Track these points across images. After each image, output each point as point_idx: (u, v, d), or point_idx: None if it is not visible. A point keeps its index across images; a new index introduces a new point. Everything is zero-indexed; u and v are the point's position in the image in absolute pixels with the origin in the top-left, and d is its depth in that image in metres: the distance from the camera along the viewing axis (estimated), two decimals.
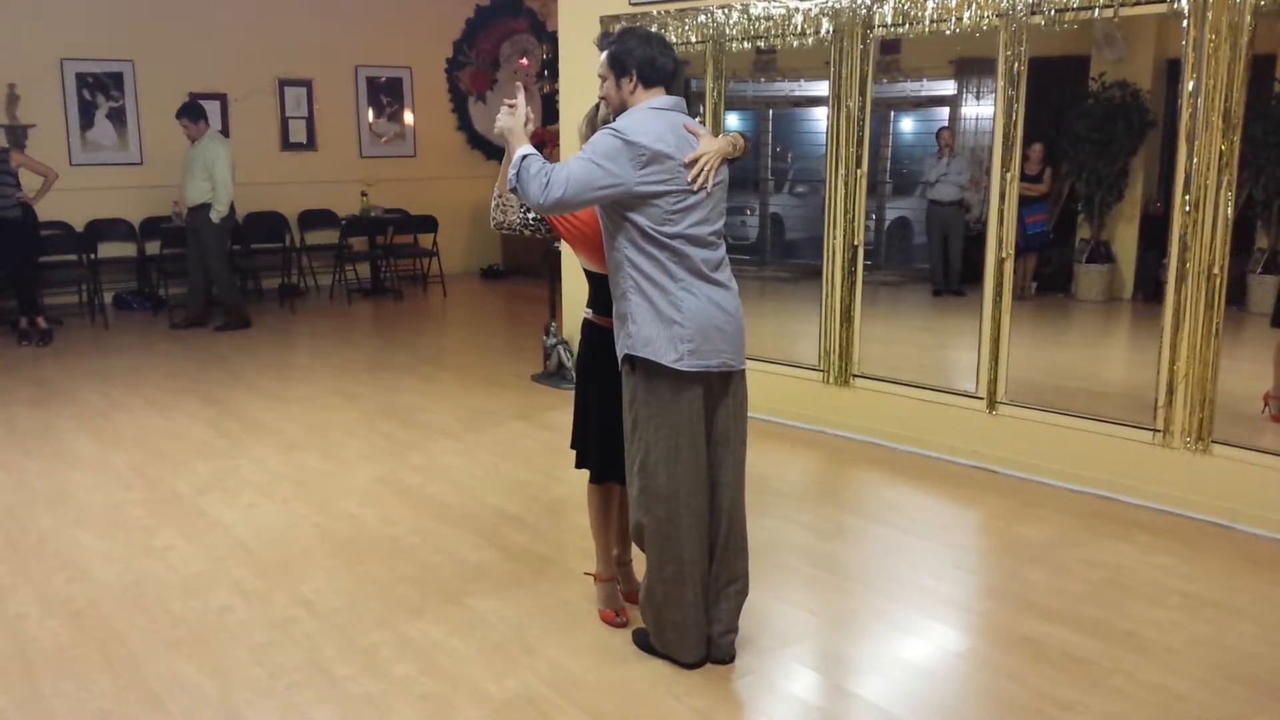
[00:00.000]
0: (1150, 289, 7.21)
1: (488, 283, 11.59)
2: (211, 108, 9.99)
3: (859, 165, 5.49)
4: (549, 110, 10.97)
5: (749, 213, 9.75)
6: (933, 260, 8.68)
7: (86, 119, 9.50)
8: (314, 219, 10.48)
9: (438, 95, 11.59)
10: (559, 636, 3.43)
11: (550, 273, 7.41)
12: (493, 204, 3.37)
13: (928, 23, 5.09)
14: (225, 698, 3.08)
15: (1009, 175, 4.92)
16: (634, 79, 3.04)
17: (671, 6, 6.10)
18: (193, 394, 6.62)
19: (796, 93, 8.74)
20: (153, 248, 9.51)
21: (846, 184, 5.52)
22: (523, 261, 11.36)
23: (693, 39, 6.02)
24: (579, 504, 4.14)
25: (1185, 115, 4.35)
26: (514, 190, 2.93)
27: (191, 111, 8.46)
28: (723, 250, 3.11)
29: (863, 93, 5.42)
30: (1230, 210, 4.27)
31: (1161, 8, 4.41)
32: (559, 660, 3.28)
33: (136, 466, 5.21)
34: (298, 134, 10.66)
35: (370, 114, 11.12)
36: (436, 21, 11.35)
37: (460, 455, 5.40)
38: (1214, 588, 3.83)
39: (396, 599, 3.72)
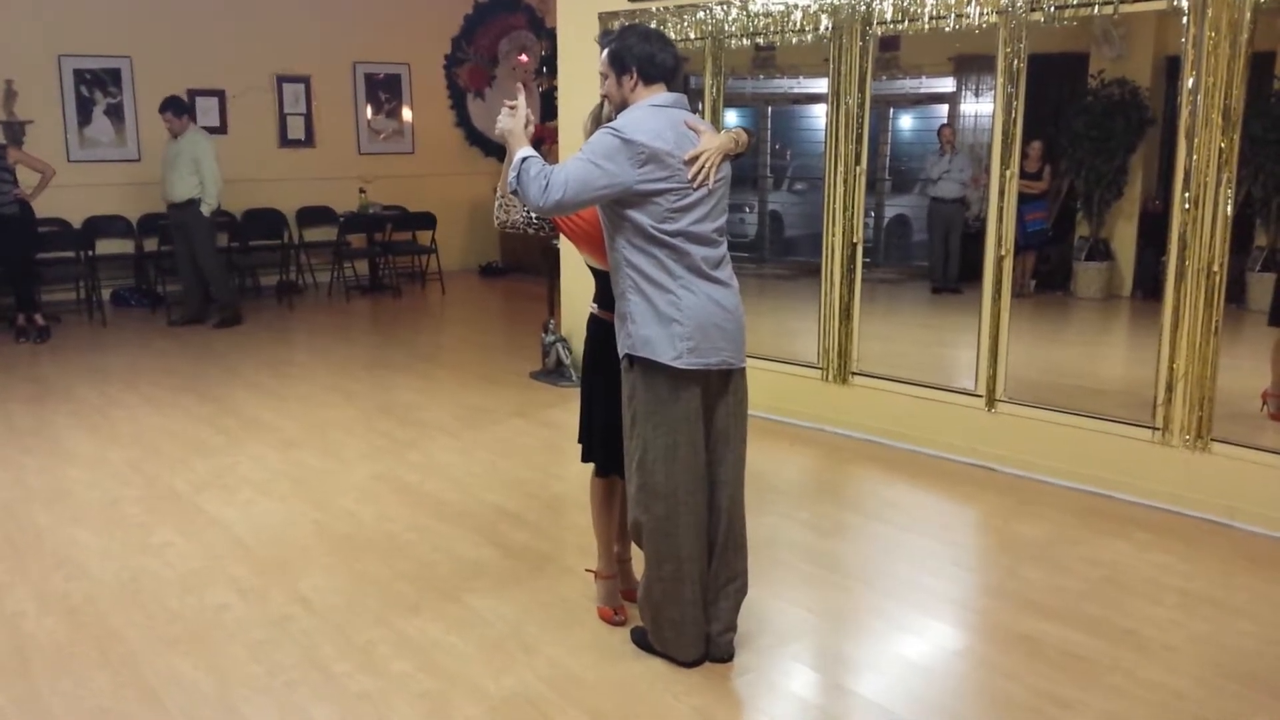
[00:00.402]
0: (1149, 286, 7.21)
1: (486, 280, 11.58)
2: (209, 104, 10.00)
3: (858, 162, 5.48)
4: (548, 107, 10.95)
5: (748, 210, 9.74)
6: (933, 258, 8.68)
7: (84, 115, 9.49)
8: (312, 216, 10.46)
9: (436, 92, 11.57)
10: (557, 634, 3.43)
11: (549, 270, 7.40)
12: (496, 203, 3.37)
13: (927, 19, 5.08)
14: (223, 695, 3.07)
15: (1008, 172, 4.91)
16: (634, 76, 3.04)
17: (671, 3, 6.09)
18: (190, 391, 6.61)
19: (795, 90, 8.73)
20: (150, 244, 9.52)
21: (845, 181, 5.52)
22: (521, 259, 11.35)
23: (692, 35, 6.01)
24: (577, 501, 4.15)
25: (1185, 112, 4.34)
26: (514, 193, 2.93)
27: (175, 106, 8.45)
28: (724, 248, 3.10)
29: (862, 90, 5.41)
30: (1230, 208, 4.27)
31: (1161, 4, 4.41)
32: (557, 658, 3.28)
33: (134, 464, 5.21)
34: (296, 131, 10.64)
35: (369, 111, 11.11)
36: (435, 18, 11.34)
37: (458, 453, 5.40)
38: (1212, 586, 3.83)
39: (394, 596, 3.72)
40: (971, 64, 7.94)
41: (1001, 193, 4.94)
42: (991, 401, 5.10)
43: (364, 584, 3.83)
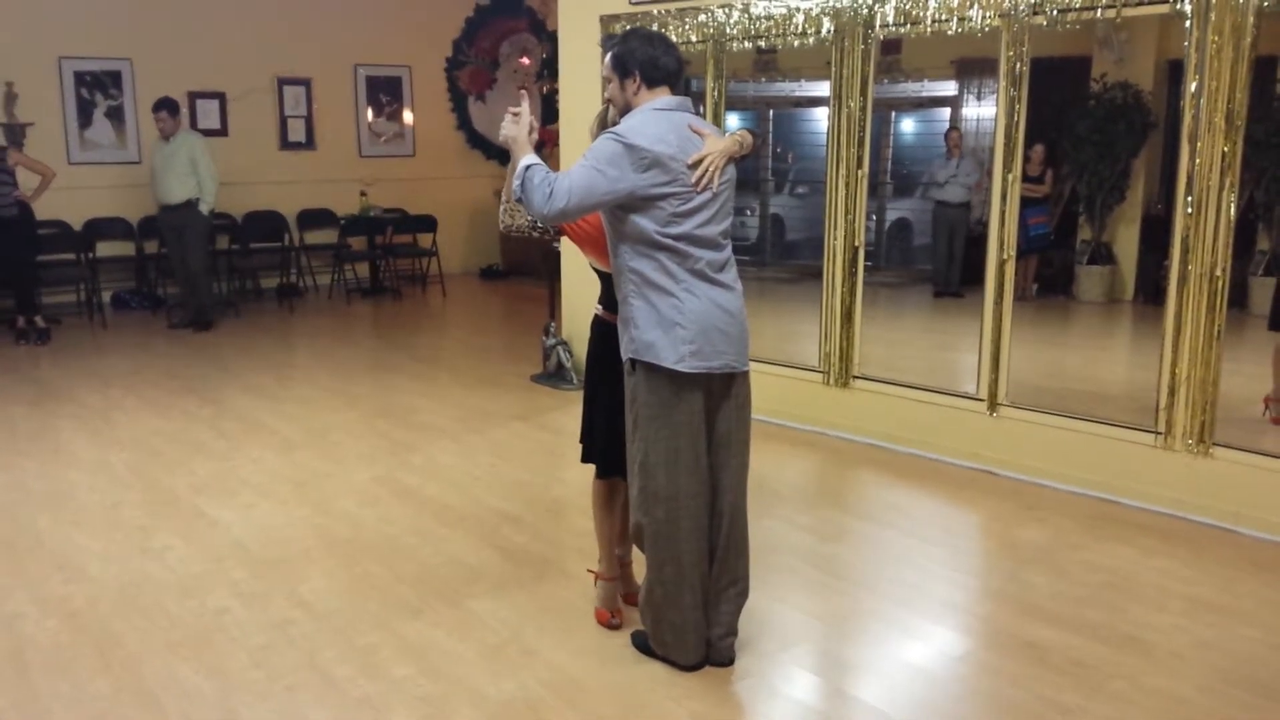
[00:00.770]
0: (1151, 291, 7.20)
1: (487, 282, 11.57)
2: (210, 106, 10.00)
3: (860, 166, 5.47)
4: (549, 110, 10.95)
5: (749, 213, 9.74)
6: (937, 262, 8.67)
7: (85, 118, 9.48)
8: (313, 218, 10.46)
9: (437, 94, 11.57)
10: (557, 638, 3.42)
11: (550, 273, 7.39)
12: (501, 208, 3.38)
13: (929, 23, 5.07)
14: (223, 699, 3.06)
15: (1010, 176, 4.91)
16: (637, 79, 3.04)
17: (672, 6, 6.09)
18: (191, 394, 6.60)
19: (797, 93, 8.73)
20: (151, 247, 9.50)
21: (847, 184, 5.51)
22: (522, 261, 11.34)
23: (693, 38, 6.00)
24: (578, 505, 4.14)
25: (1187, 117, 4.34)
26: (519, 200, 2.92)
27: (170, 106, 8.45)
28: (729, 251, 3.10)
29: (864, 93, 5.40)
30: (1232, 212, 4.26)
31: (1164, 8, 4.40)
32: (558, 662, 3.27)
33: (134, 466, 5.20)
34: (296, 133, 10.64)
35: (369, 113, 11.11)
36: (436, 20, 11.34)
37: (459, 456, 5.39)
38: (1216, 591, 3.82)
39: (395, 600, 3.71)
40: (974, 67, 7.94)
41: (1004, 196, 4.93)
42: (993, 406, 5.09)
43: (364, 587, 3.82)
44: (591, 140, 3.34)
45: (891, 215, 9.45)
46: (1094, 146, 7.73)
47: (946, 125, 8.81)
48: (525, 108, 3.04)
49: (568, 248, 3.79)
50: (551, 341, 6.88)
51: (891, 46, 5.82)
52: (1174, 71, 5.80)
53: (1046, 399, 5.08)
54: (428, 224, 10.56)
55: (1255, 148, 5.21)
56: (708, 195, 2.98)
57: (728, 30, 5.87)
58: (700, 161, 2.95)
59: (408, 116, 11.36)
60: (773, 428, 5.77)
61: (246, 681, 3.16)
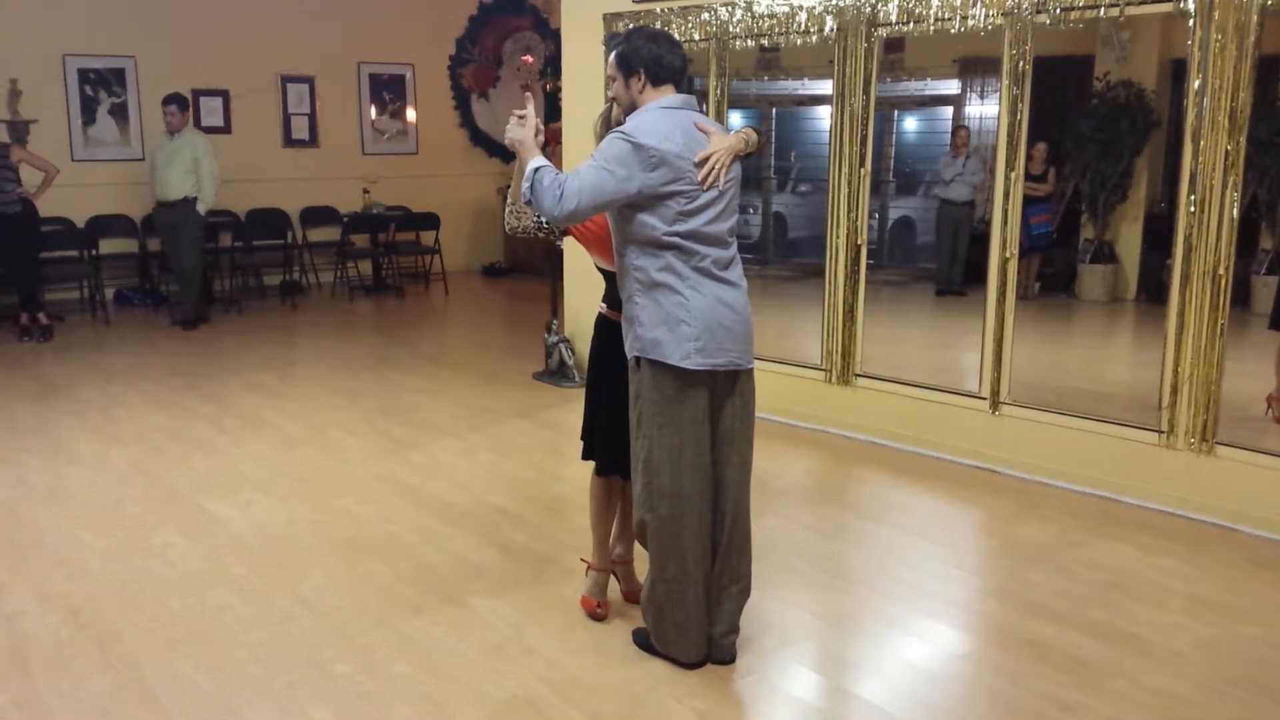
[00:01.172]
0: (1154, 289, 7.19)
1: (489, 280, 11.57)
2: (213, 104, 9.99)
3: (862, 164, 5.47)
4: (552, 108, 10.95)
5: (752, 211, 9.73)
6: (940, 260, 8.66)
7: (88, 115, 9.48)
8: (316, 216, 10.46)
9: (440, 92, 11.57)
10: (558, 636, 3.42)
11: (552, 270, 7.39)
12: (507, 210, 3.38)
13: (932, 21, 5.07)
14: (223, 696, 3.06)
15: (1013, 175, 4.90)
16: (642, 78, 3.04)
17: (675, 4, 6.08)
18: (193, 390, 6.61)
19: (800, 91, 8.72)
20: (154, 244, 9.48)
21: (850, 183, 5.50)
22: (524, 259, 11.34)
23: (696, 37, 6.00)
24: (579, 503, 4.13)
25: (1191, 115, 4.33)
26: (528, 203, 2.92)
27: (180, 101, 8.46)
28: (734, 248, 3.11)
29: (866, 91, 5.40)
30: (1235, 211, 4.25)
31: (1167, 7, 4.39)
32: (558, 660, 3.27)
33: (136, 463, 5.20)
34: (300, 131, 10.64)
35: (372, 111, 11.10)
36: (439, 18, 11.33)
37: (460, 453, 5.39)
38: (1217, 590, 3.81)
39: (395, 598, 3.71)
40: (976, 66, 7.93)
41: (1006, 195, 4.93)
42: (996, 404, 5.09)
43: (365, 585, 3.82)
44: (596, 139, 3.35)
45: (894, 214, 9.44)
46: (1097, 145, 7.72)
47: (949, 124, 8.80)
48: (530, 110, 3.04)
49: (570, 245, 3.79)
50: (553, 339, 6.88)
51: (894, 45, 5.82)
52: (1177, 70, 5.80)
53: (1049, 397, 5.08)
54: (430, 221, 10.56)
55: (1258, 146, 5.21)
56: (714, 193, 2.99)
57: (731, 28, 5.86)
58: (707, 159, 2.96)
59: (411, 114, 11.36)
60: (775, 425, 5.76)
61: (247, 678, 3.16)
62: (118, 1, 9.45)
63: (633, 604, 3.56)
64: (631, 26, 3.17)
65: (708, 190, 2.97)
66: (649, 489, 3.10)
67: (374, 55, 10.96)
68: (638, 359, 3.06)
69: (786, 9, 5.59)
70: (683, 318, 2.97)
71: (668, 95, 3.05)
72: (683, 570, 3.11)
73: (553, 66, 11.06)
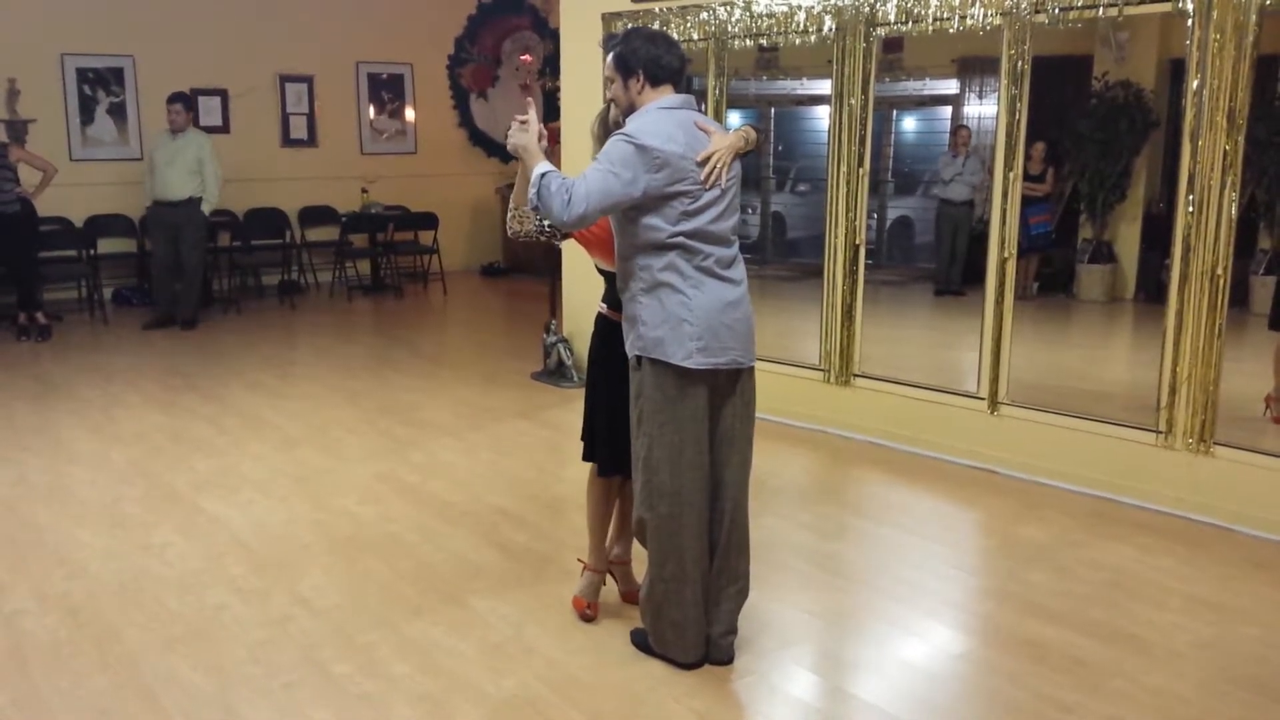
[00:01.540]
0: (1152, 289, 7.18)
1: (488, 280, 11.57)
2: (212, 103, 9.98)
3: (861, 164, 5.47)
4: (551, 107, 10.94)
5: (751, 211, 9.72)
6: (939, 260, 8.66)
7: (87, 114, 9.48)
8: (314, 215, 10.46)
9: (439, 92, 11.56)
10: (558, 636, 3.42)
11: (551, 270, 7.39)
12: (509, 214, 3.37)
13: (931, 21, 5.07)
14: (222, 695, 3.06)
15: (1012, 175, 4.90)
16: (641, 79, 3.04)
17: (674, 3, 6.08)
18: (192, 390, 6.61)
19: (799, 91, 8.71)
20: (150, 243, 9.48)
21: (848, 183, 5.50)
22: (523, 259, 11.34)
23: (695, 36, 6.00)
24: (579, 503, 4.13)
25: (1189, 115, 4.33)
26: (535, 209, 2.91)
27: (186, 100, 8.47)
28: (736, 247, 3.11)
29: (865, 91, 5.40)
30: (1234, 211, 4.25)
31: (1166, 7, 4.40)
32: (558, 660, 3.27)
33: (135, 463, 5.20)
34: (298, 130, 10.64)
35: (371, 110, 11.10)
36: (438, 18, 11.33)
37: (460, 453, 5.39)
38: (1216, 590, 3.82)
39: (395, 597, 3.71)
40: (975, 66, 7.93)
41: (1005, 195, 4.93)
42: (994, 404, 5.09)
43: (364, 585, 3.82)
44: (592, 140, 3.36)
45: (892, 213, 9.43)
46: (1095, 145, 7.72)
47: (948, 124, 8.80)
48: (533, 115, 3.04)
49: (569, 245, 3.80)
50: (552, 339, 6.88)
51: (893, 44, 5.81)
52: (1176, 70, 5.79)
53: (1047, 398, 5.08)
54: (429, 221, 10.56)
55: (1257, 146, 5.21)
56: (716, 191, 3.00)
57: (729, 28, 5.86)
58: (708, 159, 2.96)
59: (409, 114, 11.35)
60: (773, 425, 5.76)
61: (245, 678, 3.16)
62: (116, 1, 9.44)
63: (631, 604, 3.55)
64: (629, 27, 3.17)
65: (710, 189, 2.98)
66: (649, 487, 3.10)
67: (373, 55, 10.96)
68: (639, 358, 3.06)
69: (785, 9, 5.59)
70: (685, 317, 2.97)
71: (667, 95, 3.06)
72: (681, 569, 3.12)
73: (551, 66, 11.06)
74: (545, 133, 3.08)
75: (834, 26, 5.43)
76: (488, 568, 3.97)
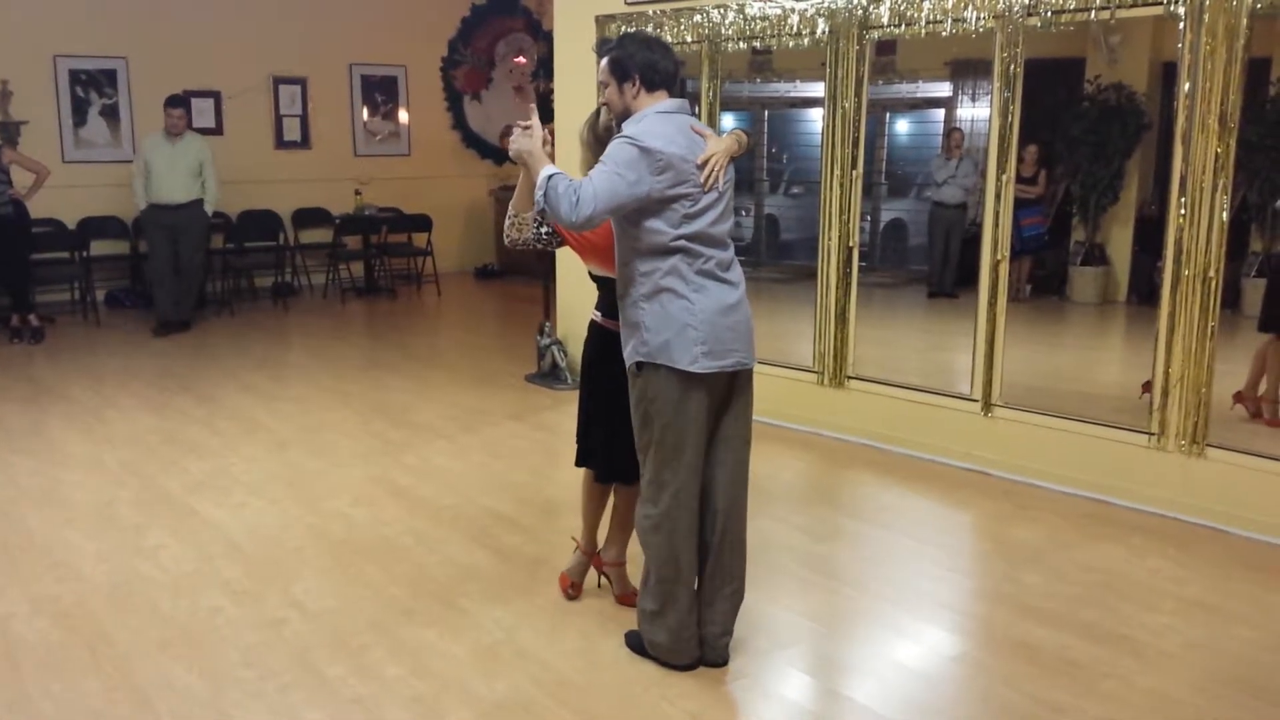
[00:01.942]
0: (1145, 291, 7.20)
1: (482, 282, 11.56)
2: (205, 105, 9.97)
3: (854, 166, 5.48)
4: (545, 109, 10.92)
5: (744, 213, 9.73)
6: (933, 262, 8.67)
7: (79, 116, 9.46)
8: (308, 217, 10.45)
9: (433, 94, 11.56)
10: (551, 638, 3.42)
11: (545, 273, 7.38)
12: (507, 223, 3.38)
13: (924, 24, 5.08)
14: (215, 699, 3.06)
15: (1005, 177, 4.91)
16: (637, 83, 3.05)
17: (667, 6, 6.09)
18: (185, 392, 6.59)
19: (792, 93, 8.72)
20: (145, 245, 9.45)
21: (842, 185, 5.51)
22: (517, 261, 11.32)
23: (688, 39, 6.00)
24: (571, 505, 4.14)
25: (1181, 118, 4.34)
26: (542, 212, 2.92)
27: (186, 103, 8.44)
28: (732, 249, 3.14)
29: (858, 94, 5.41)
30: (1226, 213, 4.27)
31: (1158, 10, 4.41)
32: (551, 662, 3.27)
33: (127, 465, 5.19)
34: (292, 132, 10.62)
35: (365, 112, 11.09)
36: (432, 20, 11.32)
37: (453, 455, 5.38)
38: (1209, 592, 3.83)
39: (388, 600, 3.70)
40: (968, 68, 7.93)
41: (998, 197, 4.94)
42: (987, 406, 5.10)
43: (357, 587, 3.81)
44: (582, 145, 3.38)
45: (886, 216, 9.44)
46: (1088, 148, 7.74)
47: (941, 126, 8.81)
48: (536, 121, 3.04)
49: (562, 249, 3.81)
50: (546, 341, 6.88)
51: (886, 47, 5.82)
52: (1168, 73, 5.80)
53: (1040, 399, 5.09)
54: (423, 223, 10.55)
55: (1248, 149, 5.22)
56: (714, 194, 3.02)
57: (723, 30, 5.87)
58: (706, 161, 2.98)
59: (403, 116, 11.35)
60: (767, 427, 5.76)
61: (238, 681, 3.16)
62: (109, 2, 9.42)
63: (625, 606, 3.56)
64: (623, 32, 3.19)
65: (708, 192, 3.00)
66: (653, 487, 3.11)
67: (366, 56, 10.95)
68: (640, 364, 3.06)
69: (779, 11, 5.60)
70: (689, 322, 2.99)
71: (664, 100, 3.07)
72: (677, 571, 3.12)
73: (545, 68, 11.05)
74: (550, 137, 3.09)
75: (827, 29, 5.43)
76: (480, 570, 3.96)
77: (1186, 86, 4.31)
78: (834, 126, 5.50)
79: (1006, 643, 3.42)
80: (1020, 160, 5.04)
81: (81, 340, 8.26)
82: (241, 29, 10.06)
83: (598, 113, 3.34)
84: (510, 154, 3.07)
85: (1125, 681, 3.17)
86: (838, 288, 5.59)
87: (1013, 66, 4.82)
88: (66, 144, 9.40)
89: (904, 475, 5.15)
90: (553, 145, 3.11)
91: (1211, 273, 4.32)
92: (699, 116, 5.98)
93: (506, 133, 3.16)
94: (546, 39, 10.50)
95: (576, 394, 3.63)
